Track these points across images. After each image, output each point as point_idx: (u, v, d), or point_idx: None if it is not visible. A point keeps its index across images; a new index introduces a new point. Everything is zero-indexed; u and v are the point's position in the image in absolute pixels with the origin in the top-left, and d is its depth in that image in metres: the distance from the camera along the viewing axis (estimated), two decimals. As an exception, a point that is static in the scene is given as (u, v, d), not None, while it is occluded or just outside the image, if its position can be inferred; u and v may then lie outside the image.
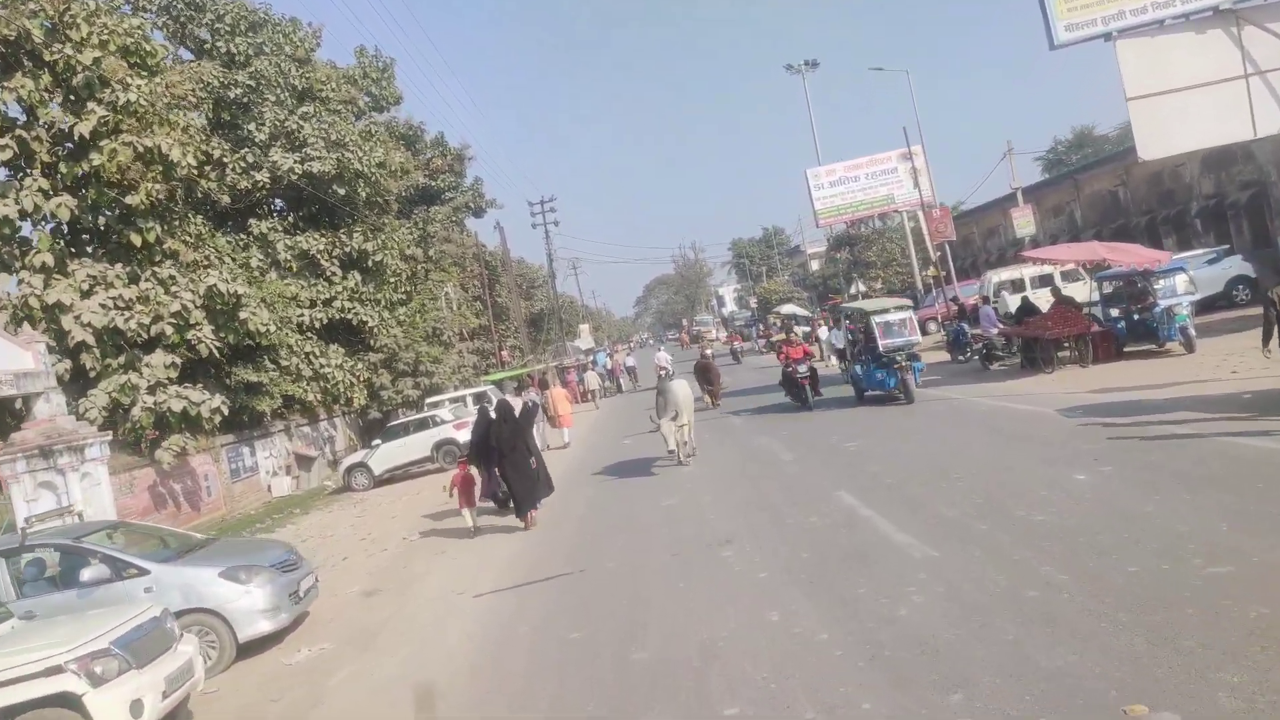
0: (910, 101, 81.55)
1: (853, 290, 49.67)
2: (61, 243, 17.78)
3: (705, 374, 22.05)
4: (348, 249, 25.79)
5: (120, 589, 7.79)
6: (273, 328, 20.45)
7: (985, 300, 23.14)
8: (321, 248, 25.24)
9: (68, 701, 5.51)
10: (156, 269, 17.97)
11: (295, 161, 24.04)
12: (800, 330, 28.63)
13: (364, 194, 26.15)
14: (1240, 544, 5.54)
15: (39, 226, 17.25)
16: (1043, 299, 21.43)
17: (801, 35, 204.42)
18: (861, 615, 5.64)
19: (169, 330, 17.25)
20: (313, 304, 24.65)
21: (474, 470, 12.15)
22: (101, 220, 17.83)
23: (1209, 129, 16.94)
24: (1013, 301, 24.04)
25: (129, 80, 17.07)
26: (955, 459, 10.01)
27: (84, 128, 16.61)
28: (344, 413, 27.00)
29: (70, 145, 17.29)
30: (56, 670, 5.50)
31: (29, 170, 16.75)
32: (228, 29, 24.73)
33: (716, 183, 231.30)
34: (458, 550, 11.09)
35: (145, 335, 17.14)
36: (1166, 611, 4.74)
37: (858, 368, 17.31)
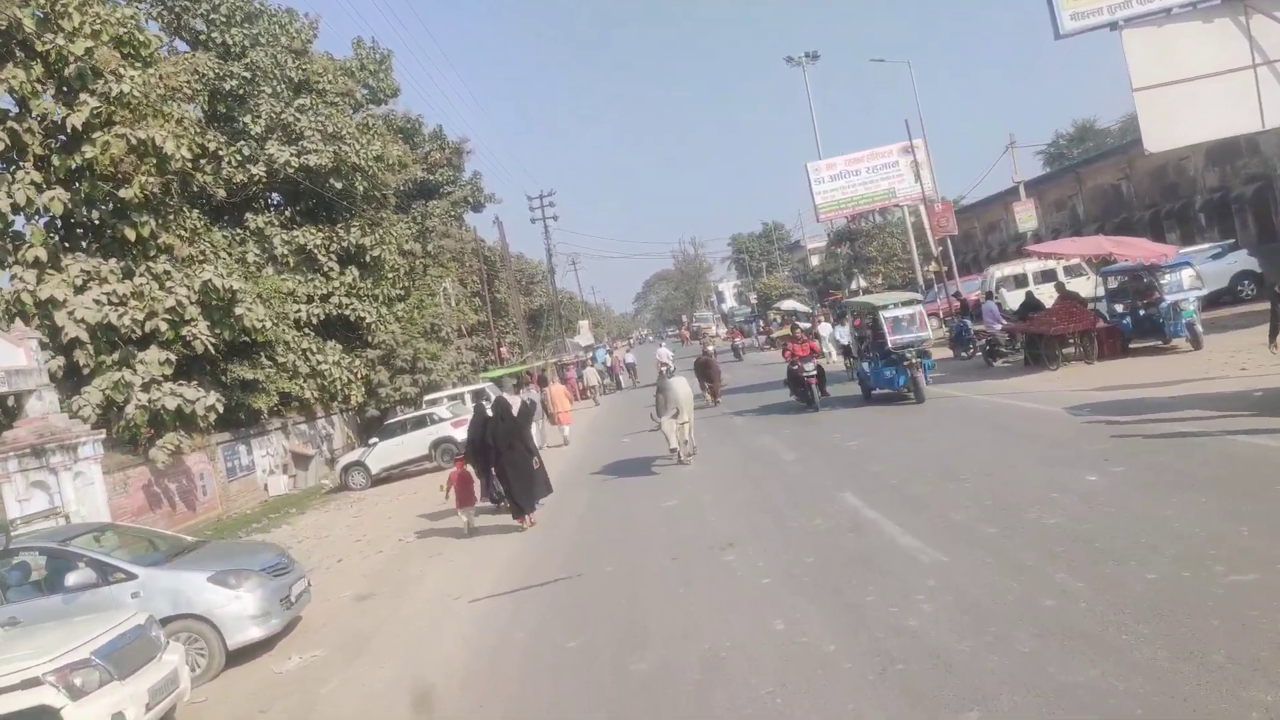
0: (912, 94, 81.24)
1: (853, 286, 49.45)
2: (55, 237, 17.56)
3: (705, 371, 21.84)
4: (345, 244, 25.56)
5: (107, 594, 7.60)
6: (269, 324, 20.23)
7: (988, 296, 22.92)
8: (319, 242, 25.00)
9: (46, 715, 5.30)
10: (151, 264, 17.73)
11: (292, 154, 23.79)
12: (802, 326, 28.32)
13: (361, 188, 25.91)
14: (1263, 550, 5.34)
15: (32, 220, 17.03)
16: (1046, 294, 21.23)
17: (801, 30, 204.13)
18: (869, 624, 5.44)
19: (163, 326, 17.02)
20: (310, 299, 24.43)
21: (470, 469, 11.97)
22: (95, 214, 17.59)
23: (1216, 120, 16.74)
24: (1011, 297, 23.86)
25: (122, 71, 16.83)
26: (961, 459, 9.81)
27: (76, 119, 16.37)
28: (341, 410, 26.78)
29: (63, 137, 17.04)
30: (34, 683, 5.30)
31: (21, 163, 16.50)
32: (223, 20, 24.44)
33: (716, 178, 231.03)
34: (454, 552, 10.90)
35: (139, 331, 16.92)
36: (1189, 622, 4.54)
37: (865, 365, 16.76)
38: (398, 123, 34.99)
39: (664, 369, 16.21)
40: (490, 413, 11.73)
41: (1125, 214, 33.38)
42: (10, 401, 13.74)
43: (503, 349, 40.36)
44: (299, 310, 23.75)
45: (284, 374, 22.19)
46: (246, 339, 19.90)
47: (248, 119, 24.09)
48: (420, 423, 20.85)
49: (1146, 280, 16.64)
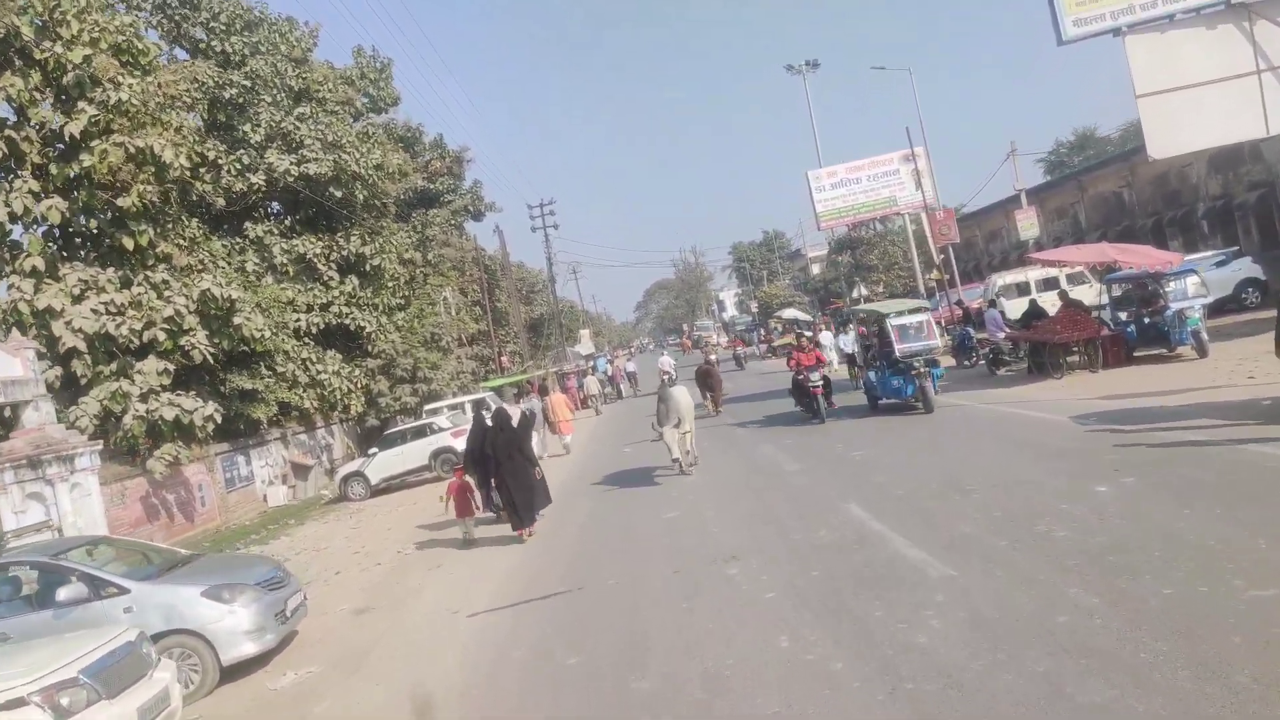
0: (912, 101, 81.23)
1: (854, 294, 49.37)
2: (52, 246, 17.46)
3: (707, 380, 21.71)
4: (345, 252, 25.48)
5: (99, 609, 7.46)
6: (268, 333, 20.12)
7: (991, 304, 22.80)
8: (318, 251, 24.92)
9: (31, 736, 5.16)
10: (149, 273, 17.64)
11: (291, 163, 23.73)
12: (805, 335, 28.18)
13: (361, 196, 25.84)
14: (1282, 564, 5.20)
15: (29, 230, 16.95)
16: (1048, 302, 21.11)
17: (799, 34, 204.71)
18: (878, 641, 5.28)
19: (162, 336, 16.91)
20: (309, 309, 24.33)
21: (470, 480, 11.83)
22: (93, 223, 17.47)
23: (1220, 126, 16.68)
24: (1010, 306, 23.72)
25: (120, 79, 16.77)
26: (967, 469, 9.66)
27: (74, 127, 16.30)
28: (341, 420, 26.65)
29: (61, 146, 16.98)
30: (19, 703, 5.15)
31: (19, 171, 16.44)
32: (223, 28, 24.44)
33: (716, 187, 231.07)
34: (453, 563, 10.75)
35: (137, 341, 16.81)
36: (1211, 640, 4.39)
37: (871, 374, 16.33)
38: (398, 131, 34.99)
39: (666, 377, 16.07)
40: (490, 423, 11.61)
41: (1127, 222, 33.28)
42: (6, 412, 13.62)
43: (503, 358, 40.24)
44: (298, 319, 23.65)
45: (283, 384, 22.07)
46: (246, 348, 19.79)
47: (247, 128, 24.05)
48: (420, 433, 20.72)
49: (1151, 288, 16.52)
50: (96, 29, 16.89)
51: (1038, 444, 10.37)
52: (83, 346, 16.04)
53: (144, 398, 16.39)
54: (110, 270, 17.21)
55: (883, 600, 5.99)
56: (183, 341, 17.26)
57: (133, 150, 16.68)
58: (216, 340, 18.27)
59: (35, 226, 16.96)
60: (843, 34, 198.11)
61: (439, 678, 6.58)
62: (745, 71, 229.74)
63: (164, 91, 18.52)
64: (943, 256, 33.92)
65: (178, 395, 16.89)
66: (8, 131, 16.10)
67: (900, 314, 15.51)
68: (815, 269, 75.60)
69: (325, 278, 25.06)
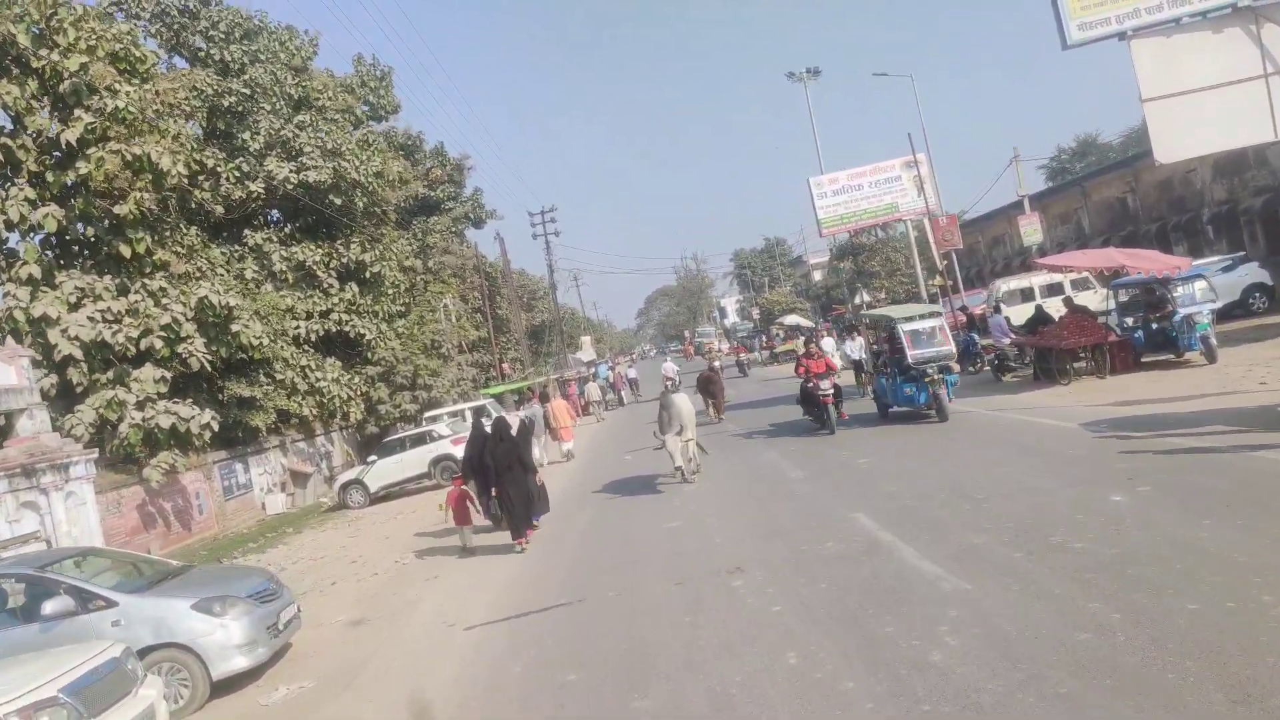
0: (914, 107, 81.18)
1: (856, 300, 49.15)
2: (49, 254, 17.34)
3: (708, 387, 21.51)
4: (345, 260, 25.35)
5: (86, 623, 7.25)
6: (266, 340, 19.97)
7: (996, 309, 22.59)
8: (318, 259, 24.78)
9: (9, 759, 4.96)
10: (146, 281, 17.49)
11: (291, 171, 23.60)
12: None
13: (361, 204, 25.73)
14: (1312, 578, 4.99)
15: (26, 237, 16.81)
16: (1053, 308, 20.90)
17: (800, 38, 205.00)
18: (890, 659, 5.07)
19: (159, 344, 16.75)
20: (309, 316, 24.17)
21: (469, 488, 11.64)
22: (90, 231, 17.36)
23: (1228, 131, 16.47)
24: (1014, 312, 23.49)
25: (117, 87, 16.67)
26: (978, 478, 9.44)
27: (71, 135, 16.20)
28: (341, 428, 26.45)
29: (58, 153, 16.87)
30: (-4, 724, 4.96)
31: (15, 179, 16.34)
32: (222, 36, 24.36)
33: (717, 193, 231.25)
34: (451, 573, 10.54)
35: (134, 349, 16.65)
36: (1241, 659, 4.19)
37: (882, 381, 15.81)
38: (399, 139, 34.89)
39: (669, 383, 15.83)
40: (489, 430, 11.43)
41: (1131, 227, 33.10)
42: (1, 420, 13.44)
43: (504, 365, 40.06)
44: (298, 327, 23.49)
45: (282, 391, 21.90)
46: (244, 356, 19.63)
47: (247, 135, 23.94)
48: (420, 440, 20.52)
49: (1159, 293, 16.32)
50: (93, 36, 16.81)
51: (1049, 451, 10.16)
52: (79, 354, 15.88)
53: (140, 405, 16.22)
54: (107, 278, 17.08)
55: (894, 615, 5.78)
56: (180, 349, 17.11)
57: (130, 158, 16.57)
58: (214, 348, 18.11)
59: (32, 234, 16.84)
60: (843, 35, 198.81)
61: (434, 694, 6.36)
62: (746, 74, 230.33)
63: (162, 99, 18.41)
64: (946, 262, 33.72)
65: (175, 403, 16.73)
66: (4, 139, 16.01)
67: (912, 319, 14.93)
68: (817, 275, 75.46)
69: (325, 285, 24.92)
